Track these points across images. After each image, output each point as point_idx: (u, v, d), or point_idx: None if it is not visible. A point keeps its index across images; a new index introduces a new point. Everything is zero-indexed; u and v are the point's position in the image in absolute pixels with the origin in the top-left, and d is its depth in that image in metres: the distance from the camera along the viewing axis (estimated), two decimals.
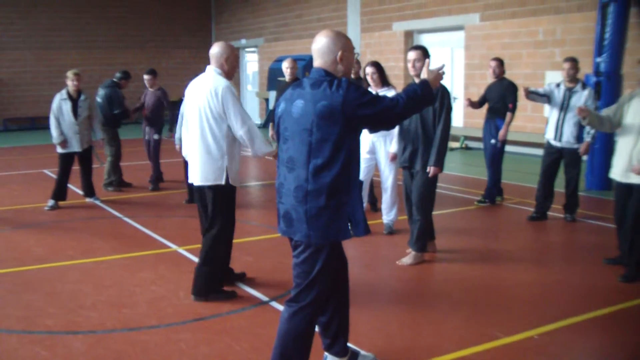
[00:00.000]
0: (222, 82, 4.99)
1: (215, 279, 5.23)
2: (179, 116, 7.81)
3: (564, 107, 7.54)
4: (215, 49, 5.12)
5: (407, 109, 3.42)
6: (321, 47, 3.44)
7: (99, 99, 9.98)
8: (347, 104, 3.28)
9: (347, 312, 3.93)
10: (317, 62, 3.48)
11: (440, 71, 3.66)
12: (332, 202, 3.36)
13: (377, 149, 7.08)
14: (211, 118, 4.96)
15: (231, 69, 5.13)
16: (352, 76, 8.33)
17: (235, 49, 5.28)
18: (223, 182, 5.07)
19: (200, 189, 5.20)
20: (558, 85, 7.69)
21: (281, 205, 3.51)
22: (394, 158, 6.89)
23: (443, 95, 5.83)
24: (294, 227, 3.45)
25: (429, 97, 3.52)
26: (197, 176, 5.13)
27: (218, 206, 5.13)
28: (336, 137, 3.31)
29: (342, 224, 3.42)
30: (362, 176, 7.14)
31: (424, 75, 3.61)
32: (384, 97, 3.40)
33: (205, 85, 5.02)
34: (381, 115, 3.36)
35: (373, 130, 3.84)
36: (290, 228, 3.47)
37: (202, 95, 5.00)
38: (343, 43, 3.45)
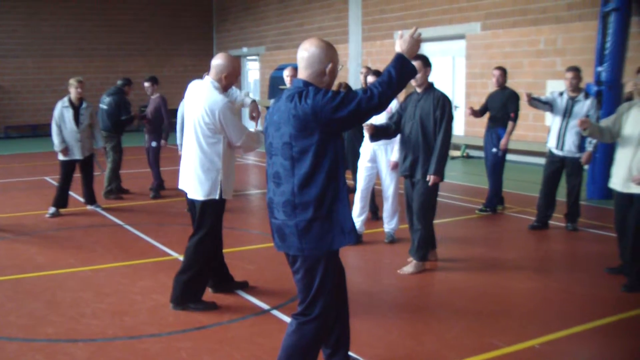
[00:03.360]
0: (219, 101, 4.88)
1: (195, 288, 5.18)
2: (178, 122, 7.81)
3: (566, 116, 7.55)
4: (218, 61, 5.01)
5: (385, 96, 3.22)
6: (310, 57, 3.35)
7: (104, 106, 10.02)
8: (317, 111, 3.20)
9: (347, 321, 3.92)
10: (303, 72, 3.38)
11: (415, 35, 3.36)
12: (321, 212, 3.33)
13: (378, 158, 7.08)
14: (207, 134, 4.93)
15: (228, 85, 5.07)
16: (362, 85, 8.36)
17: (238, 64, 5.20)
18: (217, 197, 5.05)
19: (192, 199, 5.18)
20: (561, 94, 7.70)
21: (274, 220, 3.49)
22: (394, 166, 6.89)
23: (444, 103, 5.83)
24: (287, 242, 3.42)
25: (406, 72, 3.28)
26: (190, 188, 5.12)
27: (204, 217, 5.11)
28: (316, 147, 3.26)
29: (334, 233, 3.37)
30: (363, 185, 7.15)
31: (397, 47, 3.35)
32: (356, 92, 3.24)
33: (201, 99, 4.94)
34: (358, 111, 3.21)
35: (358, 124, 3.56)
36: (284, 243, 3.45)
37: (197, 110, 4.94)
38: (333, 55, 3.37)
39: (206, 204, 5.07)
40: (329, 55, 3.36)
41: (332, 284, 3.49)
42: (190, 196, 5.15)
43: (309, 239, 3.34)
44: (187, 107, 5.13)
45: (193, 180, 5.06)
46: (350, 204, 3.59)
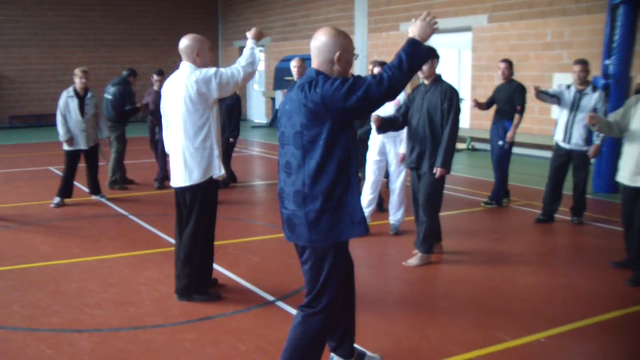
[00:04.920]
0: (199, 69, 4.86)
1: (199, 279, 5.14)
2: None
3: (573, 109, 7.51)
4: (185, 43, 4.95)
5: (396, 81, 3.11)
6: (319, 45, 3.32)
7: (109, 96, 10.01)
8: (327, 99, 3.15)
9: (353, 313, 3.90)
10: (314, 61, 3.36)
11: (427, 19, 3.25)
12: (331, 203, 3.30)
13: (387, 151, 7.05)
14: (192, 111, 4.83)
15: (204, 62, 4.95)
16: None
17: (207, 41, 5.11)
18: (219, 173, 4.95)
19: (183, 190, 5.03)
20: (568, 87, 7.66)
21: (284, 210, 3.46)
22: (403, 159, 6.87)
23: (452, 96, 5.80)
24: (296, 233, 3.40)
25: (418, 56, 3.17)
26: (179, 178, 4.98)
27: (197, 203, 4.99)
28: (327, 136, 3.23)
29: (343, 224, 3.34)
30: (374, 177, 7.13)
31: (410, 32, 3.26)
32: (365, 78, 3.15)
33: (180, 81, 4.88)
34: (368, 97, 3.11)
35: (369, 111, 3.42)
36: (294, 233, 3.42)
37: (179, 92, 4.86)
38: (342, 43, 3.32)
39: (198, 189, 4.95)
40: (338, 43, 3.31)
41: (340, 276, 3.47)
42: (182, 183, 4.98)
43: (319, 230, 3.32)
44: (168, 101, 5.01)
45: (184, 168, 4.92)
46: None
